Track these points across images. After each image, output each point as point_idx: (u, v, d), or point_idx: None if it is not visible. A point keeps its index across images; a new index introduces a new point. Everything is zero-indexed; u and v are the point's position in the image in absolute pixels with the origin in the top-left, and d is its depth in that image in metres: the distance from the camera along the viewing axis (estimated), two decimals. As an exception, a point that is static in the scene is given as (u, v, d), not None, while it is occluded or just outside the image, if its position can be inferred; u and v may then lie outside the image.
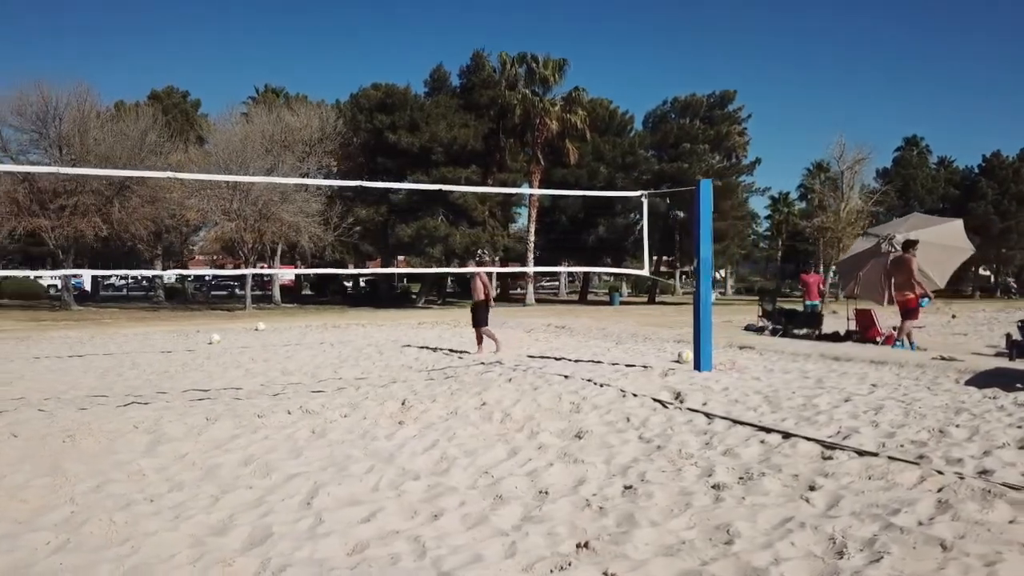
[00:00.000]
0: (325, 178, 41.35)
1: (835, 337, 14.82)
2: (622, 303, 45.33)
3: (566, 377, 9.57)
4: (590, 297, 55.36)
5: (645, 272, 10.21)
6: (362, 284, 57.37)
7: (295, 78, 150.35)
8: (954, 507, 4.46)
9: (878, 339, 13.63)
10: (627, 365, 10.87)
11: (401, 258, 49.21)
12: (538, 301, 44.60)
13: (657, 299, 50.73)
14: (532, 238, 41.83)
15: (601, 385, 8.83)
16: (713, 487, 5.02)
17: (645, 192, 10.22)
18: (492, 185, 41.32)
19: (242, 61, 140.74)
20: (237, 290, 49.62)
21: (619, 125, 49.97)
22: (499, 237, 44.52)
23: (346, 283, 57.43)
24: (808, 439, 6.15)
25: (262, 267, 39.43)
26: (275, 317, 27.17)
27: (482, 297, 12.95)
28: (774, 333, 15.82)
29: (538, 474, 5.48)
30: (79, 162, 30.82)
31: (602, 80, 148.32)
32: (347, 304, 41.66)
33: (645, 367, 10.48)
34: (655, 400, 8.00)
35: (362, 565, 3.87)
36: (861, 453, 5.72)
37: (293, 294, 51.65)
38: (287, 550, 4.06)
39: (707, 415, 7.30)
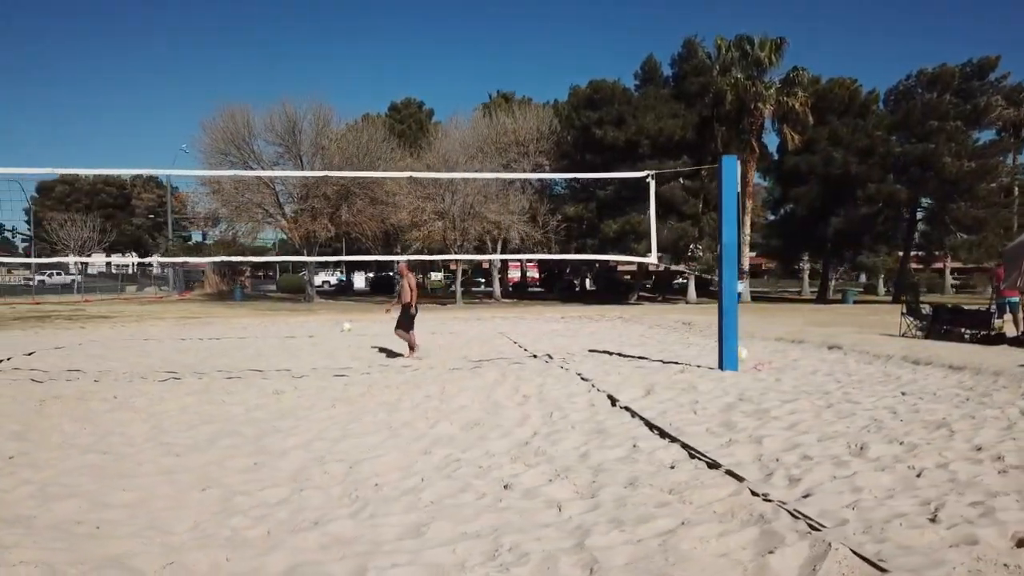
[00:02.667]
0: (537, 180, 42.51)
1: (999, 339, 12.51)
2: (855, 302, 41.27)
3: (581, 376, 9.26)
4: (803, 293, 50.93)
5: (652, 260, 9.49)
6: (586, 280, 57.99)
7: (526, 82, 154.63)
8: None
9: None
10: (664, 362, 10.23)
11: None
12: (756, 299, 42.08)
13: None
14: (747, 230, 39.51)
15: (585, 379, 8.47)
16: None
17: (651, 172, 9.49)
18: (707, 178, 39.78)
19: (480, 71, 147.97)
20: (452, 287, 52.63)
21: (861, 106, 45.39)
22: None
23: (574, 280, 58.42)
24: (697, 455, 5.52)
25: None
26: (474, 310, 28.59)
27: (408, 299, 11.76)
28: (928, 332, 13.65)
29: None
30: (314, 169, 34.77)
31: (836, 58, 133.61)
32: (563, 299, 42.35)
33: (673, 364, 9.78)
34: (609, 398, 7.55)
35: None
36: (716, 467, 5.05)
37: (520, 290, 53.56)
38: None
39: (633, 413, 6.77)
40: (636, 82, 41.40)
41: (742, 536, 3.81)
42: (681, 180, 38.70)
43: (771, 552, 3.57)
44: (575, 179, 40.84)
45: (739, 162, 9.32)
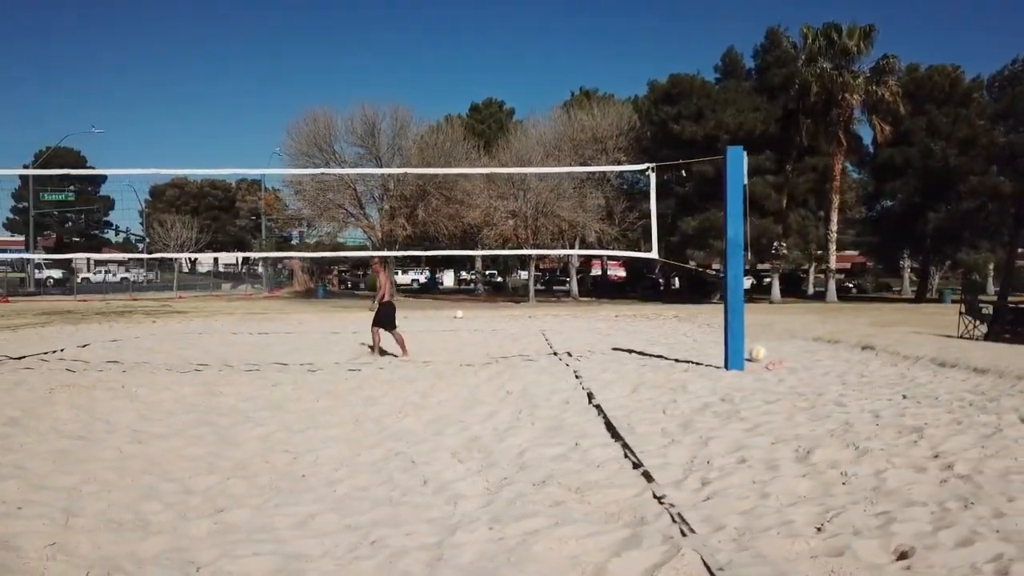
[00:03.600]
0: (616, 175, 42.10)
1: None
2: (953, 301, 38.89)
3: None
4: (904, 292, 48.23)
5: (654, 255, 9.23)
6: (670, 278, 56.87)
7: (609, 78, 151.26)
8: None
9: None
10: (678, 360, 9.97)
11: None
12: (846, 298, 40.28)
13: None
14: (833, 227, 37.89)
15: (578, 377, 8.38)
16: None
17: (651, 165, 9.22)
18: (793, 173, 38.46)
19: (563, 68, 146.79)
20: (540, 284, 52.51)
21: (962, 94, 42.79)
22: (809, 227, 41.23)
23: (659, 279, 57.42)
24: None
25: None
26: (539, 308, 28.60)
27: (382, 295, 11.54)
28: (988, 333, 12.75)
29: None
30: (392, 169, 35.53)
31: (934, 44, 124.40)
32: (645, 299, 41.70)
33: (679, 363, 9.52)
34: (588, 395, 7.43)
35: None
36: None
37: (602, 289, 53.14)
38: None
39: (600, 411, 6.63)
40: (717, 75, 40.44)
41: (609, 538, 3.69)
42: (764, 175, 37.52)
43: (618, 556, 3.44)
44: (628, 174, 40.17)
45: (744, 153, 8.97)
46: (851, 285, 57.49)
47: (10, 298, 32.15)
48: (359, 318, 22.21)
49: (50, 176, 66.30)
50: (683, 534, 3.66)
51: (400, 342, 11.53)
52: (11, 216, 76.05)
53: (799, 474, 4.67)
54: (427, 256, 36.83)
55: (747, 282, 50.19)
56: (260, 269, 57.76)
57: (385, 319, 11.45)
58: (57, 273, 62.00)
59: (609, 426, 6.16)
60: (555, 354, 11.59)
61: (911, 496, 4.18)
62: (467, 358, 11.21)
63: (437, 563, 3.48)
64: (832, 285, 38.33)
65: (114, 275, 67.48)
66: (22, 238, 65.73)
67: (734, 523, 3.82)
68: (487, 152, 40.75)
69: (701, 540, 3.57)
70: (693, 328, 16.67)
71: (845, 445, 5.37)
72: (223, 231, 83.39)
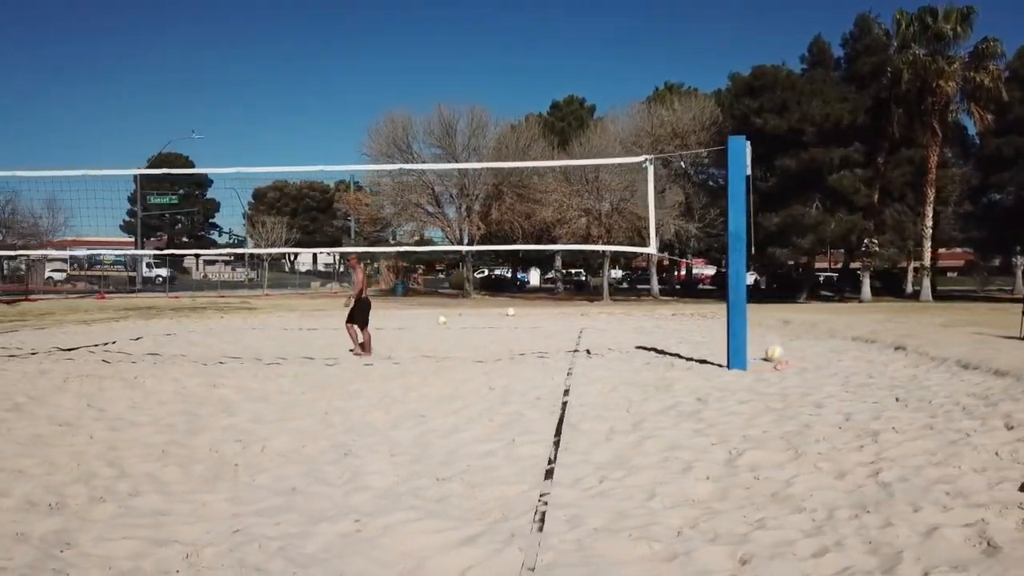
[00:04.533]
0: (695, 172, 41.19)
1: None
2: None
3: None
4: (1016, 291, 44.90)
5: (652, 250, 8.94)
6: (758, 277, 55.07)
7: (695, 73, 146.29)
8: None
9: None
10: (687, 359, 9.67)
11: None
12: (943, 297, 37.97)
13: None
14: (928, 222, 35.79)
15: (570, 374, 8.27)
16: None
17: (648, 156, 8.93)
18: (886, 166, 36.56)
19: (648, 63, 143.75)
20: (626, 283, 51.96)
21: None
22: (906, 222, 39.10)
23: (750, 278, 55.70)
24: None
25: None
26: (607, 306, 28.30)
27: (357, 292, 11.42)
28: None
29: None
30: (469, 170, 35.97)
31: None
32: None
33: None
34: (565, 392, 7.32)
35: None
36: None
37: (688, 288, 52.06)
38: None
39: (563, 409, 6.54)
40: (803, 66, 38.83)
41: (457, 534, 3.65)
42: (853, 169, 35.86)
43: (447, 551, 3.39)
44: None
45: (747, 143, 8.58)
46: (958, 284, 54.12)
47: (107, 295, 34.31)
48: (418, 314, 22.61)
49: (157, 179, 70.35)
50: (540, 531, 3.57)
51: (367, 341, 11.47)
52: (127, 219, 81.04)
53: (707, 476, 4.46)
54: (502, 254, 36.96)
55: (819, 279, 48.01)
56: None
57: (358, 316, 11.44)
58: (165, 271, 65.72)
59: (559, 424, 6.05)
60: (575, 351, 11.46)
61: (805, 503, 3.93)
62: (483, 355, 11.22)
63: (276, 552, 3.51)
64: (927, 284, 36.22)
65: (220, 274, 71.14)
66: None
67: (595, 523, 3.69)
68: (563, 149, 40.60)
69: (541, 539, 3.46)
70: (706, 325, 16.11)
71: (786, 448, 5.10)
72: (320, 231, 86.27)
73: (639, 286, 52.55)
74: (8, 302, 26.37)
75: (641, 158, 9.45)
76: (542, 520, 3.73)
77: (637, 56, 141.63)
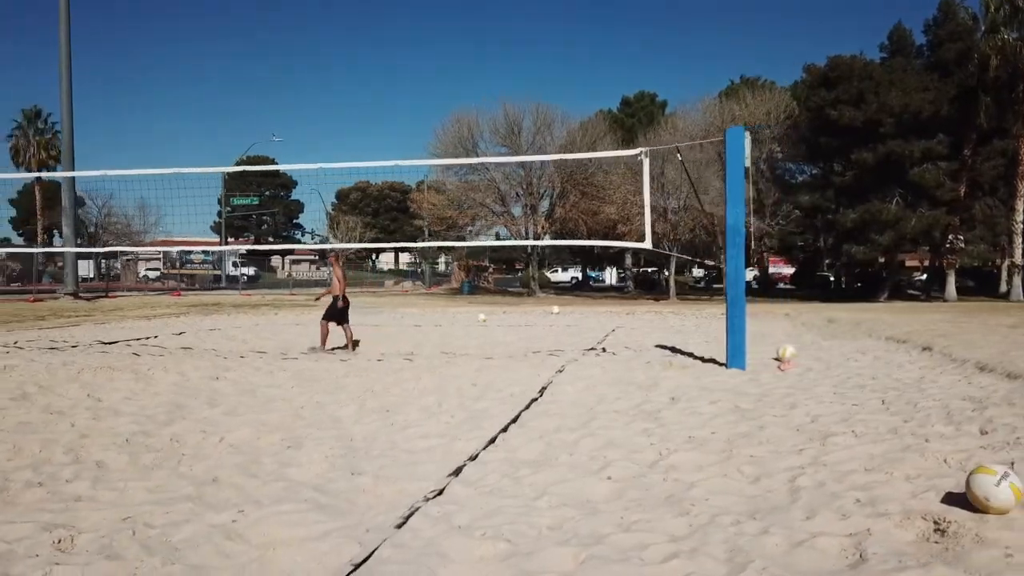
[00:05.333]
0: (770, 167, 40.00)
1: None
2: None
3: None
4: None
5: (647, 245, 8.66)
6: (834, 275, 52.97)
7: (773, 65, 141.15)
8: None
9: None
10: (695, 357, 9.38)
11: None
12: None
13: None
14: (1019, 217, 33.66)
15: (560, 371, 8.15)
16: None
17: (643, 149, 8.65)
18: (975, 158, 34.58)
19: (723, 57, 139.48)
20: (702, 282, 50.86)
21: None
22: (998, 218, 36.90)
23: (830, 276, 53.75)
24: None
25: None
26: (675, 306, 27.81)
27: (336, 290, 11.49)
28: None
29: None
30: (536, 169, 35.96)
31: None
32: (809, 297, 39.19)
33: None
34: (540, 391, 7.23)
35: None
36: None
37: (767, 287, 50.60)
38: None
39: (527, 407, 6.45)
40: (883, 55, 37.14)
41: (319, 528, 3.63)
42: (936, 161, 34.08)
43: (302, 543, 3.38)
44: (808, 163, 37.72)
45: (747, 134, 8.23)
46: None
47: (183, 292, 35.85)
48: (460, 312, 22.71)
49: (243, 181, 73.02)
50: (398, 528, 3.53)
51: (324, 337, 11.51)
52: (217, 220, 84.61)
53: (614, 477, 4.31)
54: (576, 253, 36.80)
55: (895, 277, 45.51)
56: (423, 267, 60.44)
57: (336, 313, 11.51)
58: (251, 270, 68.31)
59: (511, 421, 5.97)
60: (590, 350, 11.29)
61: (694, 507, 3.75)
62: (496, 352, 11.18)
63: (145, 540, 3.57)
64: (1017, 282, 34.09)
65: (304, 273, 73.50)
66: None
67: (460, 521, 3.61)
68: (630, 147, 40.05)
69: (393, 536, 3.41)
70: (776, 326, 15.53)
71: (722, 451, 4.88)
72: (401, 231, 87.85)
73: (715, 285, 51.46)
74: (88, 298, 27.86)
75: (637, 151, 9.19)
76: (407, 517, 3.68)
77: (712, 52, 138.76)
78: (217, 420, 6.51)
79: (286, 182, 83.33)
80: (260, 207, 74.59)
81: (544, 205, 39.32)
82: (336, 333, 11.65)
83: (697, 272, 66.42)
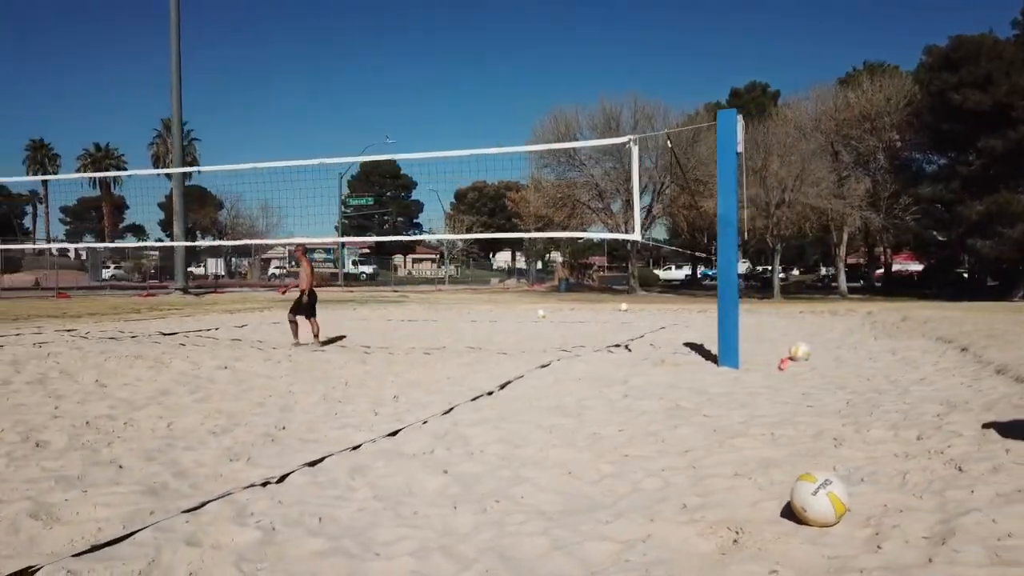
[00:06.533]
0: (887, 155, 37.57)
1: None
2: None
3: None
4: None
5: (636, 236, 8.24)
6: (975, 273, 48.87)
7: (897, 50, 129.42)
8: None
9: None
10: (703, 356, 8.94)
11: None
12: None
13: None
14: None
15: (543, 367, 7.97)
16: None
17: (633, 136, 8.24)
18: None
19: (842, 44, 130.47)
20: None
21: None
22: None
23: (964, 273, 49.77)
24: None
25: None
26: (773, 306, 26.67)
27: (304, 285, 11.57)
28: None
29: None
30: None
31: None
32: (940, 296, 36.45)
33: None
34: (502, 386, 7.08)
35: None
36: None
37: (893, 286, 47.49)
38: None
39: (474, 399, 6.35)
40: (1015, 32, 34.00)
41: (129, 509, 3.70)
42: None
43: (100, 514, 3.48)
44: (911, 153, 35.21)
45: (739, 118, 7.72)
46: None
47: (287, 290, 37.46)
48: (523, 310, 22.56)
49: (364, 182, 75.89)
50: (196, 509, 3.55)
51: (295, 331, 11.75)
52: (344, 220, 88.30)
53: (446, 471, 4.16)
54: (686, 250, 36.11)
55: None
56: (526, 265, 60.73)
57: (300, 307, 11.71)
58: (370, 269, 70.89)
59: (444, 412, 5.89)
60: (616, 346, 10.98)
61: (497, 505, 3.57)
62: (513, 349, 11.06)
63: (53, 518, 3.74)
64: None
65: (422, 272, 75.62)
66: (347, 238, 75.93)
67: (256, 508, 3.59)
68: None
69: (179, 517, 3.44)
70: (836, 325, 14.53)
71: (605, 449, 4.61)
72: (517, 230, 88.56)
73: (833, 284, 48.81)
74: (197, 294, 29.71)
75: (624, 139, 8.80)
76: (225, 496, 3.70)
77: (831, 39, 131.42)
78: (185, 406, 6.75)
79: (406, 183, 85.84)
80: (375, 207, 77.16)
81: (644, 200, 38.53)
82: (305, 327, 11.84)
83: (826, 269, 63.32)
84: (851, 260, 54.47)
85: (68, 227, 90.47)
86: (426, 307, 23.34)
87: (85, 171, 59.32)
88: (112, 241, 60.63)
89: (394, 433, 5.23)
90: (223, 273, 59.94)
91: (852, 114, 36.85)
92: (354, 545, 3.09)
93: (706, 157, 35.35)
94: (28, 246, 48.31)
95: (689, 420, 5.34)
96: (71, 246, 64.36)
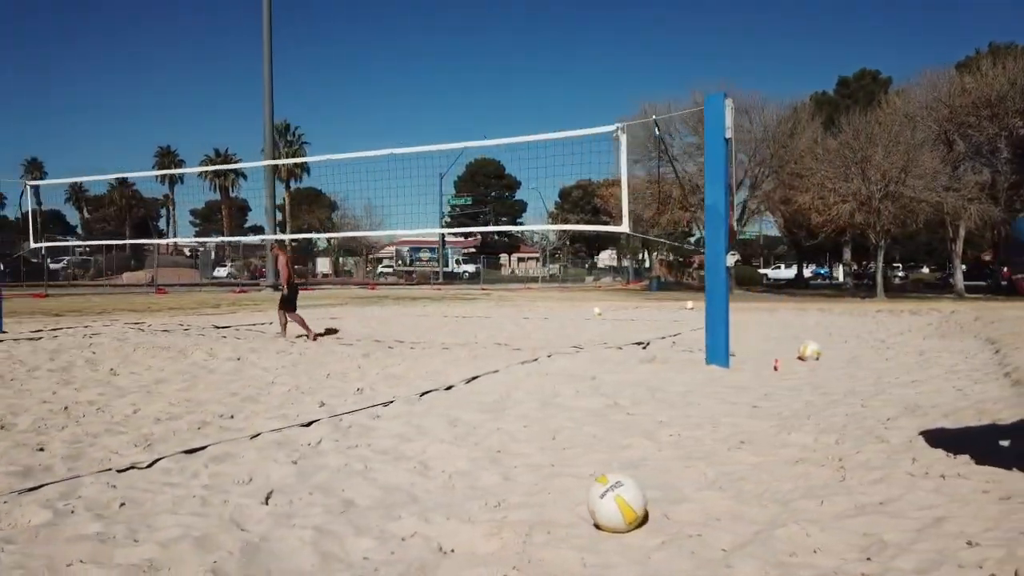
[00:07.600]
0: (1007, 146, 34.73)
1: None
2: None
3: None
4: None
5: (625, 228, 7.87)
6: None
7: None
8: None
9: None
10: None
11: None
12: None
13: None
14: None
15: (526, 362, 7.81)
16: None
17: (621, 124, 7.86)
18: None
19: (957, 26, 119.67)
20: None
21: None
22: None
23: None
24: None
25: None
26: (866, 305, 25.24)
27: (283, 280, 12.12)
28: None
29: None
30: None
31: None
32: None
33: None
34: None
35: None
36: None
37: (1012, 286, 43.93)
38: None
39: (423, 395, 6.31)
40: None
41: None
42: None
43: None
44: None
45: (727, 102, 7.24)
46: None
47: (377, 286, 38.53)
48: (583, 308, 22.09)
49: (471, 181, 76.94)
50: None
51: (284, 324, 12.17)
52: (448, 220, 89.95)
53: (365, 467, 4.10)
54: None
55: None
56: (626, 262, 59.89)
57: (284, 299, 12.14)
58: (472, 268, 71.89)
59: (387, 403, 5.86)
60: (638, 343, 10.62)
61: (429, 501, 3.48)
62: (529, 345, 10.89)
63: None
64: None
65: (526, 270, 76.10)
66: (448, 237, 77.29)
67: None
68: (829, 131, 36.68)
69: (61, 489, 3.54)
70: (902, 324, 13.48)
71: (489, 448, 4.43)
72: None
73: (925, 282, 45.66)
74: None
75: (612, 127, 8.40)
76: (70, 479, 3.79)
77: (949, 21, 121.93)
78: (165, 394, 6.98)
79: (510, 183, 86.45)
80: (477, 206, 78.08)
81: (740, 196, 37.21)
82: (294, 319, 12.17)
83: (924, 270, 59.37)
84: (984, 257, 50.71)
85: (197, 228, 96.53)
86: (495, 304, 23.39)
87: (205, 176, 63.11)
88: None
89: (308, 424, 5.23)
90: (329, 272, 62.29)
91: (969, 99, 34.27)
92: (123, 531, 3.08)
93: (805, 149, 33.82)
94: (131, 241, 51.78)
95: (609, 419, 5.06)
96: (159, 241, 68.26)
